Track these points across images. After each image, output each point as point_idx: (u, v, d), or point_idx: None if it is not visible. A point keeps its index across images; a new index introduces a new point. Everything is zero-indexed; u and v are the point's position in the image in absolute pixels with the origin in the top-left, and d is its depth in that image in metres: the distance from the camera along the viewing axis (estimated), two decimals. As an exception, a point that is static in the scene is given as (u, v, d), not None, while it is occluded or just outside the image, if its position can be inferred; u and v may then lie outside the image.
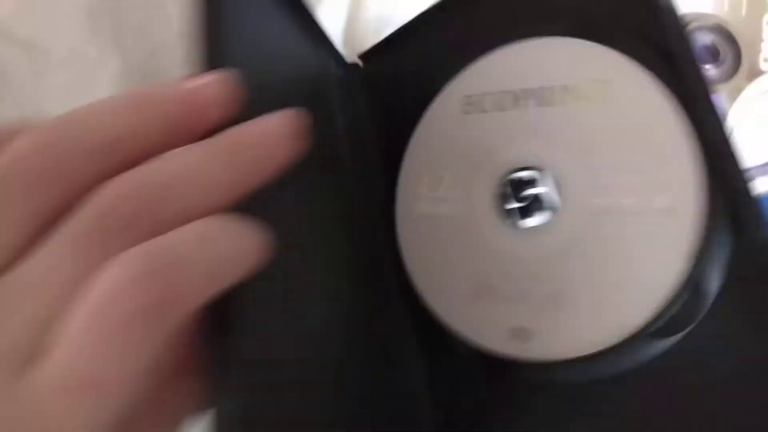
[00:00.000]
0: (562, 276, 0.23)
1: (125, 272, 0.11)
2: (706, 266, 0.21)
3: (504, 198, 0.24)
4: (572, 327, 0.22)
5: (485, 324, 0.23)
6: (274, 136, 0.14)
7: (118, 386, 0.12)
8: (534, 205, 0.24)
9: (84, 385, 0.11)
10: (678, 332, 0.21)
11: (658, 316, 0.21)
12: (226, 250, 0.13)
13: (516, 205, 0.24)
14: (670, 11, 0.22)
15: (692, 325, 0.21)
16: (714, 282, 0.21)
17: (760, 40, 0.33)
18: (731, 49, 0.33)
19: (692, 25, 0.33)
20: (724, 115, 0.22)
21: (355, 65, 0.28)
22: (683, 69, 0.22)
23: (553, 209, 0.24)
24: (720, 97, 0.31)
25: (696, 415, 0.20)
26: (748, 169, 0.27)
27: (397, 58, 0.28)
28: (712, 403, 0.20)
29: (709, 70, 0.32)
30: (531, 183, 0.24)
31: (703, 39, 0.33)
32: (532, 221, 0.24)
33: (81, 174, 0.12)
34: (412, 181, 0.26)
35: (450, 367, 0.22)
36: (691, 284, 0.21)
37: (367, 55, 0.28)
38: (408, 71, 0.28)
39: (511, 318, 0.23)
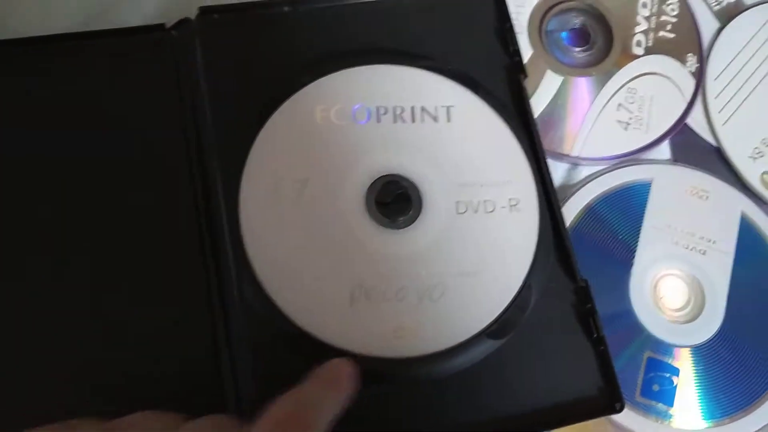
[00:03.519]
0: (434, 270, 0.27)
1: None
2: (540, 268, 0.28)
3: (375, 203, 0.28)
4: (445, 319, 0.26)
5: (366, 329, 0.26)
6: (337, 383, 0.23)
7: None
8: (403, 207, 0.28)
9: None
10: (505, 335, 0.27)
11: (500, 316, 0.27)
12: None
13: (386, 209, 0.28)
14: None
15: (510, 333, 0.27)
16: (535, 294, 0.27)
17: (635, 23, 0.35)
18: (602, 32, 0.35)
19: (563, 6, 0.35)
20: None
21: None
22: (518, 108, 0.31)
23: (420, 210, 0.28)
24: (589, 80, 0.33)
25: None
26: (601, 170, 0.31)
27: (243, 38, 0.29)
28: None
29: (578, 53, 0.34)
30: (398, 187, 0.28)
31: (573, 21, 0.35)
32: (402, 222, 0.28)
33: None
34: (263, 187, 0.27)
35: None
36: (527, 285, 0.27)
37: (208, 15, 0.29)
38: (254, 58, 0.29)
39: (394, 317, 0.26)
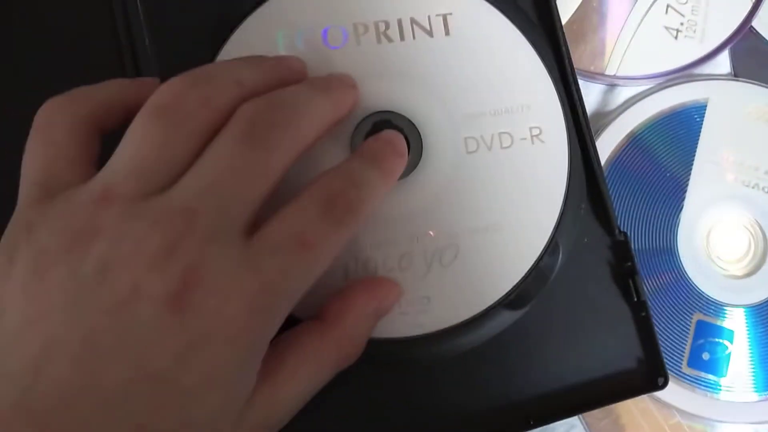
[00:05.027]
0: (443, 229, 0.23)
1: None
2: (569, 219, 0.23)
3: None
4: (460, 287, 0.23)
5: None
6: (348, 84, 0.21)
7: (324, 254, 0.18)
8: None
9: (298, 245, 0.17)
10: (527, 304, 0.23)
11: (521, 281, 0.23)
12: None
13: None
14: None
15: (533, 301, 0.23)
16: (563, 252, 0.23)
17: None
18: None
19: None
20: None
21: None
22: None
23: (421, 154, 0.23)
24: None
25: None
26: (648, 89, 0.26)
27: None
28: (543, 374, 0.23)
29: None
30: (391, 128, 0.23)
31: None
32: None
33: (225, 99, 0.18)
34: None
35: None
36: (554, 242, 0.23)
37: None
38: None
39: (403, 290, 0.22)
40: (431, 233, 0.22)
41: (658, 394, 0.25)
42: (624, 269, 0.23)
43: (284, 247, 0.17)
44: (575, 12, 0.29)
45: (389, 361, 0.22)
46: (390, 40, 0.23)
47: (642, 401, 0.26)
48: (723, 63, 0.29)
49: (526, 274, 0.22)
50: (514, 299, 0.22)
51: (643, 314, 0.23)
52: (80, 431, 0.15)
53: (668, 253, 0.27)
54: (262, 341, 0.18)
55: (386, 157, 0.20)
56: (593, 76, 0.28)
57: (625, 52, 0.28)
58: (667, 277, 0.27)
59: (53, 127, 0.18)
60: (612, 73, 0.28)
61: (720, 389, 0.26)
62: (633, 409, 0.26)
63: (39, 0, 0.23)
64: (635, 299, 0.23)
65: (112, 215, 0.16)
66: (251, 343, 0.17)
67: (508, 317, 0.22)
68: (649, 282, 0.27)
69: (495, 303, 0.22)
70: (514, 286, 0.22)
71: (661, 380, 0.23)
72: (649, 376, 0.23)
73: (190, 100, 0.18)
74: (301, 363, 0.19)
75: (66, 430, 0.15)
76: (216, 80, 0.18)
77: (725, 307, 0.27)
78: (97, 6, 0.23)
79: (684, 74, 0.29)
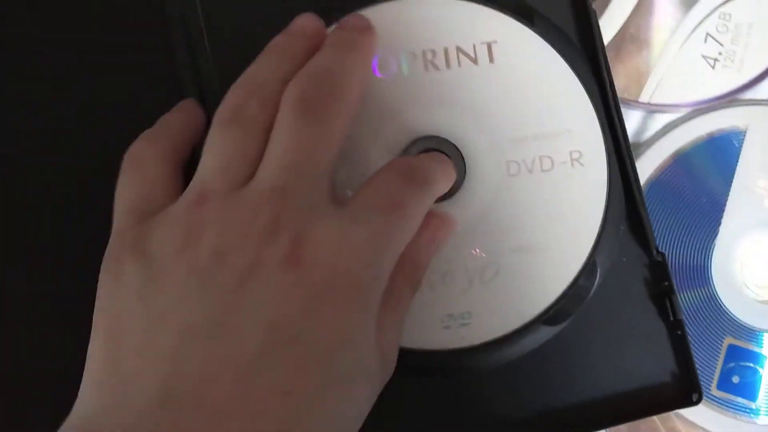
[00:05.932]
0: (484, 247, 0.24)
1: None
2: (608, 239, 0.24)
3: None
4: (499, 303, 0.24)
5: (410, 322, 0.23)
6: (364, 27, 0.22)
7: (412, 216, 0.20)
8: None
9: (391, 205, 0.19)
10: (565, 320, 0.24)
11: (560, 298, 0.24)
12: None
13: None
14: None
15: (571, 317, 0.24)
16: (601, 271, 0.24)
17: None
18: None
19: None
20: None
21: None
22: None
23: (464, 176, 0.24)
24: (671, 1, 0.28)
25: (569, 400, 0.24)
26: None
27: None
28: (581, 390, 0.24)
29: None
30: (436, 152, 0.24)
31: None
32: (445, 193, 0.24)
33: (277, 98, 0.20)
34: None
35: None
36: (592, 261, 0.24)
37: None
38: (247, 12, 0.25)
39: (440, 307, 0.24)
40: (475, 251, 0.23)
41: (688, 414, 0.26)
42: (661, 289, 0.24)
43: (378, 207, 0.19)
44: (612, 39, 0.29)
45: (430, 373, 0.23)
46: (437, 68, 0.24)
47: (670, 420, 0.27)
48: (764, 88, 0.29)
49: (563, 292, 0.23)
50: (551, 316, 0.23)
51: (679, 333, 0.24)
52: (226, 406, 0.16)
53: (701, 277, 0.28)
54: (377, 292, 0.19)
55: (435, 166, 0.22)
56: (627, 102, 0.29)
57: (660, 79, 0.29)
58: (699, 301, 0.28)
59: (146, 162, 0.21)
60: (646, 101, 0.29)
61: (749, 412, 0.27)
62: (661, 427, 0.27)
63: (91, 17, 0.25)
64: (671, 318, 0.24)
65: (212, 211, 0.18)
66: (368, 292, 0.18)
67: (546, 333, 0.23)
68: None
69: (533, 319, 0.23)
70: (552, 304, 0.23)
71: (695, 396, 0.24)
72: (683, 391, 0.24)
73: (252, 108, 0.20)
74: (390, 301, 0.20)
75: (212, 407, 0.16)
76: (266, 86, 0.20)
77: (759, 333, 0.27)
78: (151, 25, 0.24)
79: (722, 101, 0.29)
